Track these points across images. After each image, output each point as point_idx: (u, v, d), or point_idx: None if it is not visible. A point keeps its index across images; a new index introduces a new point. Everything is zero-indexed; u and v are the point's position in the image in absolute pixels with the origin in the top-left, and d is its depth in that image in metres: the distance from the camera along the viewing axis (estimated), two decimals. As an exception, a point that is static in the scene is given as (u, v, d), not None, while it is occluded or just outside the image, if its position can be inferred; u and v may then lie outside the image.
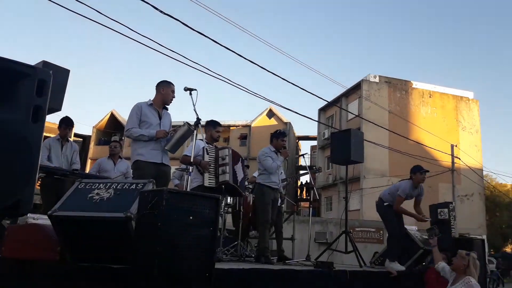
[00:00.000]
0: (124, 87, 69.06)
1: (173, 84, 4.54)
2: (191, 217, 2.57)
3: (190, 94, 4.51)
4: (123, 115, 35.99)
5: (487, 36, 67.57)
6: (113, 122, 35.34)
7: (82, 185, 3.33)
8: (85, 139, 34.67)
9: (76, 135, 33.22)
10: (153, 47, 7.31)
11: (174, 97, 4.56)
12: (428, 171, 5.78)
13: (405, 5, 66.08)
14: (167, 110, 4.55)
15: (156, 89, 4.49)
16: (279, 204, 6.18)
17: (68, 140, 5.75)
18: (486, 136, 60.58)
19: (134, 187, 3.27)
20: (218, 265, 2.87)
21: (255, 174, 6.44)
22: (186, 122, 4.33)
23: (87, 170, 29.32)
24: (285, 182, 6.45)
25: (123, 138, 34.01)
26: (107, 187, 3.28)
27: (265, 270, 3.59)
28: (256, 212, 6.52)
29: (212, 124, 5.20)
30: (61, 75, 4.36)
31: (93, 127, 34.77)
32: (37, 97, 2.53)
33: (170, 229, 2.46)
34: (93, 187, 3.29)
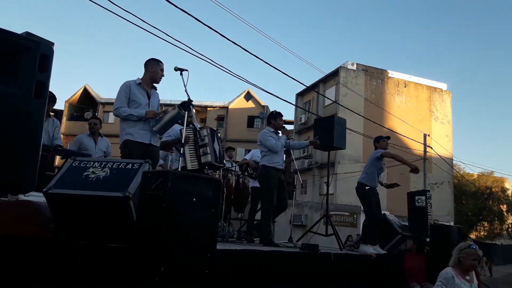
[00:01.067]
0: (98, 62, 67.12)
1: (162, 63, 4.45)
2: (194, 199, 2.60)
3: (181, 74, 4.44)
4: (97, 90, 35.20)
5: (463, 30, 69.09)
6: (86, 97, 34.49)
7: (76, 163, 3.29)
8: (57, 113, 33.67)
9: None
10: (131, 21, 7.09)
11: (163, 75, 4.47)
12: (389, 137, 6.28)
13: (385, -7, 66.51)
14: (156, 89, 4.48)
15: (145, 67, 4.39)
16: None
17: (49, 115, 5.59)
18: (457, 127, 62.54)
19: (130, 167, 3.25)
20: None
21: (247, 156, 6.50)
22: (177, 106, 4.29)
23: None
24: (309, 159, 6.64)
25: (96, 114, 33.29)
26: (102, 166, 3.25)
27: (257, 251, 3.67)
28: (240, 194, 6.63)
29: (186, 103, 5.12)
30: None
31: (66, 101, 33.82)
32: (40, 72, 2.47)
33: (174, 210, 2.48)
34: (88, 165, 3.25)
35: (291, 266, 3.92)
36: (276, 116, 5.67)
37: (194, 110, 5.29)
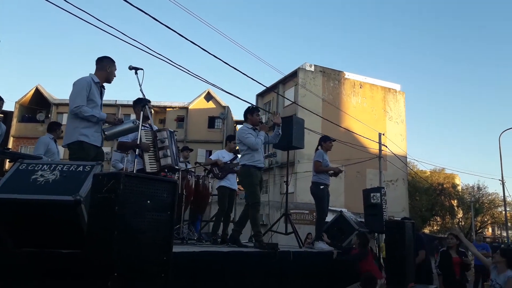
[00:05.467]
0: (50, 61, 64.42)
1: (115, 62, 4.34)
2: (148, 201, 2.53)
3: (136, 73, 4.36)
4: (49, 91, 33.76)
5: (415, 32, 71.96)
6: (38, 98, 32.99)
7: (24, 166, 3.12)
8: (7, 115, 31.92)
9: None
10: (84, 19, 6.86)
11: (115, 76, 4.37)
12: (335, 140, 6.56)
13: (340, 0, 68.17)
14: (105, 89, 4.33)
15: (100, 65, 4.22)
16: (234, 188, 6.24)
17: None
18: (410, 126, 65.02)
19: (81, 169, 3.13)
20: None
21: (212, 156, 6.45)
22: (137, 121, 4.23)
23: (11, 148, 27.16)
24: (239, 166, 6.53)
25: (49, 115, 31.94)
26: (51, 168, 3.11)
27: (216, 252, 3.63)
28: (200, 195, 6.55)
29: (142, 102, 5.02)
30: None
31: (16, 102, 32.22)
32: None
33: (127, 214, 2.39)
34: (36, 168, 3.09)
35: (251, 265, 3.92)
36: (252, 111, 5.44)
37: (152, 111, 5.19)
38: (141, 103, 4.57)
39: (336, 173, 6.28)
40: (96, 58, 4.26)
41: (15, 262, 2.68)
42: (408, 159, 29.91)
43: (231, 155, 6.42)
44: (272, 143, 5.77)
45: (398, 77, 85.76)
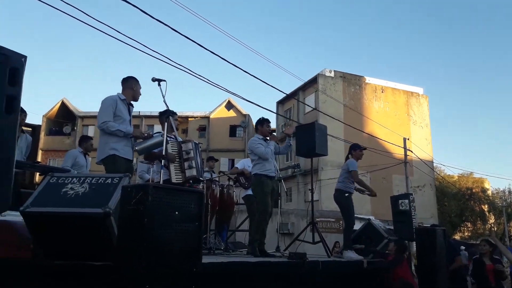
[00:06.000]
0: (75, 75, 66.16)
1: (139, 81, 4.59)
2: (176, 212, 2.52)
3: (159, 85, 4.46)
4: (75, 104, 34.62)
5: (436, 34, 70.83)
6: (64, 111, 33.87)
7: (54, 180, 3.18)
8: (35, 128, 32.87)
9: (25, 124, 31.56)
10: (108, 33, 7.04)
11: (140, 94, 4.60)
12: (365, 148, 6.42)
13: (358, 3, 67.83)
14: (133, 106, 4.56)
15: (126, 85, 4.47)
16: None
17: (23, 131, 5.51)
18: (435, 130, 63.76)
19: (110, 182, 3.16)
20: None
21: (238, 165, 6.45)
22: (163, 133, 4.35)
23: (39, 161, 27.94)
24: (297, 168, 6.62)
25: (75, 128, 32.72)
26: (81, 181, 3.15)
27: (244, 263, 3.60)
28: (225, 205, 6.54)
29: (171, 113, 5.17)
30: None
31: (43, 116, 33.16)
32: (10, 86, 2.38)
33: (156, 225, 2.40)
34: (66, 181, 3.15)
35: (279, 276, 3.86)
36: (262, 122, 5.59)
37: (178, 122, 5.33)
38: (165, 115, 4.70)
39: (372, 193, 6.18)
40: (122, 79, 4.51)
41: (49, 274, 2.71)
42: (434, 164, 29.29)
43: None
44: (283, 154, 5.85)
45: (420, 81, 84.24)
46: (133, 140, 4.32)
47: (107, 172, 3.99)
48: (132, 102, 4.52)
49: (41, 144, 31.87)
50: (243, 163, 6.46)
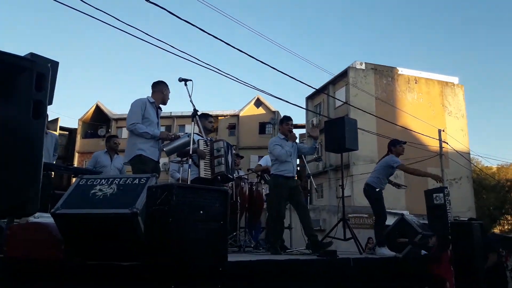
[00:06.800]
0: (108, 78, 68.04)
1: (168, 86, 4.73)
2: (201, 212, 2.52)
3: (186, 85, 4.58)
4: (109, 107, 35.61)
5: (471, 22, 68.22)
6: (99, 114, 34.92)
7: (83, 181, 3.25)
8: (71, 132, 34.17)
9: (61, 128, 32.71)
10: (138, 36, 7.26)
11: (169, 98, 4.74)
12: (405, 142, 6.21)
13: (389, -9, 66.17)
14: (161, 110, 4.69)
15: (157, 88, 4.60)
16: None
17: (47, 132, 5.71)
18: (471, 121, 61.47)
19: (137, 182, 3.20)
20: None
21: (261, 162, 6.45)
22: (190, 134, 4.50)
23: (76, 163, 29.02)
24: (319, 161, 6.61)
25: (110, 130, 33.65)
26: (109, 182, 3.20)
27: (272, 261, 3.57)
28: (255, 202, 6.53)
29: (204, 116, 5.28)
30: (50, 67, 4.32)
31: (79, 119, 34.29)
32: (37, 91, 2.43)
33: (181, 225, 2.41)
34: (94, 183, 3.21)
35: (309, 274, 3.81)
36: (282, 121, 5.57)
37: (213, 125, 5.46)
38: (203, 117, 5.12)
39: (398, 185, 6.22)
40: (152, 83, 4.65)
41: (80, 274, 2.77)
42: (471, 156, 28.28)
43: None
44: (309, 154, 5.89)
45: (455, 70, 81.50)
46: (160, 142, 4.43)
47: (134, 172, 4.09)
48: (160, 105, 4.63)
49: (77, 146, 33.03)
50: (266, 160, 6.45)
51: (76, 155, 32.49)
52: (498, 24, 66.60)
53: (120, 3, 61.52)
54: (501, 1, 65.25)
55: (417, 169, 5.88)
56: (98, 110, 34.96)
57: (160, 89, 4.57)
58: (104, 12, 6.72)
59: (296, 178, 5.49)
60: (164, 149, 4.45)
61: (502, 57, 69.19)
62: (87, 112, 34.87)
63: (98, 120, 34.84)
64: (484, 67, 69.89)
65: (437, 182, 6.05)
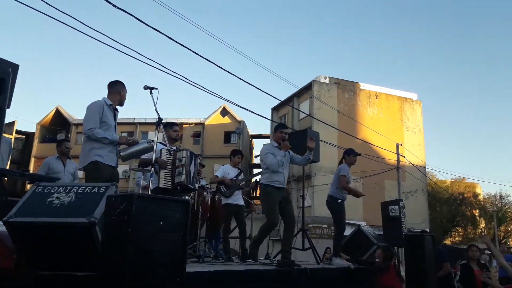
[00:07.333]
0: (70, 82, 65.98)
1: (125, 86, 4.50)
2: (161, 222, 2.53)
3: (151, 93, 4.49)
4: (70, 111, 34.52)
5: (429, 41, 71.42)
6: (59, 119, 33.77)
7: (40, 189, 3.17)
8: (28, 136, 32.83)
9: (18, 132, 31.41)
10: (102, 41, 7.07)
11: (126, 98, 4.52)
12: (359, 154, 6.34)
13: (353, 10, 68.34)
14: (118, 111, 4.47)
15: (114, 89, 4.37)
16: (241, 204, 6.21)
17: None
18: (428, 136, 64.07)
19: (96, 191, 3.16)
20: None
21: (218, 173, 6.41)
22: (151, 141, 4.37)
23: (32, 169, 27.85)
24: (244, 182, 6.46)
25: (69, 135, 32.58)
26: (67, 190, 3.15)
27: (231, 271, 3.60)
28: (216, 212, 6.54)
29: (169, 125, 5.17)
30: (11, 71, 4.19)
31: (37, 123, 32.99)
32: (-6, 96, 2.39)
33: (140, 235, 2.41)
34: (52, 190, 3.14)
35: (267, 284, 3.87)
36: (276, 128, 5.39)
37: (178, 133, 5.33)
38: (168, 126, 4.96)
39: (358, 195, 6.18)
40: (108, 83, 4.40)
41: (32, 285, 2.70)
42: (427, 169, 29.42)
43: (235, 171, 6.35)
44: (301, 165, 5.67)
45: (414, 86, 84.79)
46: (118, 146, 4.24)
47: (87, 178, 3.95)
48: (118, 107, 4.42)
49: (34, 151, 31.75)
50: (223, 171, 6.38)
51: (33, 160, 31.22)
52: (455, 43, 70.11)
53: (83, 6, 60.13)
54: (458, 22, 68.82)
55: (348, 186, 6.01)
56: (58, 114, 33.79)
57: (117, 90, 4.35)
58: (70, 16, 6.58)
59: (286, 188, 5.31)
60: (121, 154, 4.24)
61: (459, 76, 72.79)
62: (46, 116, 33.62)
63: (58, 125, 33.66)
64: (442, 85, 73.23)
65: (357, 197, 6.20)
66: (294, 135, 7.34)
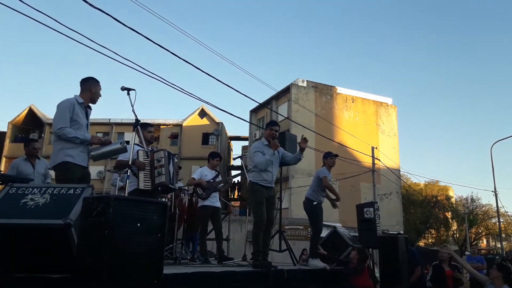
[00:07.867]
0: (44, 82, 64.42)
1: (99, 82, 4.32)
2: (139, 224, 2.53)
3: (128, 94, 4.38)
4: (43, 111, 33.69)
5: (405, 47, 72.98)
6: (32, 118, 32.90)
7: (14, 190, 3.11)
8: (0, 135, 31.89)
9: (-13, 130, 30.46)
10: (78, 40, 6.96)
11: (100, 96, 4.36)
12: (337, 155, 6.50)
13: (332, 15, 69.23)
14: (91, 109, 4.32)
15: (85, 86, 4.21)
16: (217, 206, 6.20)
17: None
18: (402, 139, 65.33)
19: (72, 192, 3.12)
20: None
21: (195, 175, 6.38)
22: (124, 142, 4.27)
23: (3, 169, 27.02)
24: (222, 184, 6.44)
25: (42, 135, 31.80)
26: (42, 192, 3.10)
27: (208, 273, 3.61)
28: (194, 214, 6.52)
29: (143, 126, 4.95)
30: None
31: (9, 122, 32.07)
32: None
33: (117, 237, 2.40)
34: (26, 192, 3.09)
35: (244, 286, 3.90)
36: (267, 125, 5.26)
37: (153, 134, 5.22)
38: (142, 127, 4.66)
39: (334, 203, 6.27)
40: (80, 79, 4.24)
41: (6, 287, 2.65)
42: (401, 172, 30.02)
43: (213, 173, 6.33)
44: (292, 164, 5.59)
45: (389, 91, 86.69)
46: (89, 146, 4.11)
47: (57, 179, 3.83)
48: (97, 103, 4.29)
49: (5, 151, 30.83)
50: (200, 173, 6.34)
51: (4, 160, 30.33)
52: (429, 49, 71.88)
53: (59, 4, 58.88)
54: (433, 28, 70.56)
55: (332, 186, 6.14)
56: (31, 114, 32.91)
57: (88, 87, 4.17)
58: (45, 15, 6.47)
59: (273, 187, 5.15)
60: (92, 154, 4.09)
61: (432, 81, 74.62)
62: (18, 115, 32.71)
63: (31, 124, 32.78)
64: (416, 90, 74.92)
65: (336, 202, 6.29)
66: (272, 138, 7.40)
